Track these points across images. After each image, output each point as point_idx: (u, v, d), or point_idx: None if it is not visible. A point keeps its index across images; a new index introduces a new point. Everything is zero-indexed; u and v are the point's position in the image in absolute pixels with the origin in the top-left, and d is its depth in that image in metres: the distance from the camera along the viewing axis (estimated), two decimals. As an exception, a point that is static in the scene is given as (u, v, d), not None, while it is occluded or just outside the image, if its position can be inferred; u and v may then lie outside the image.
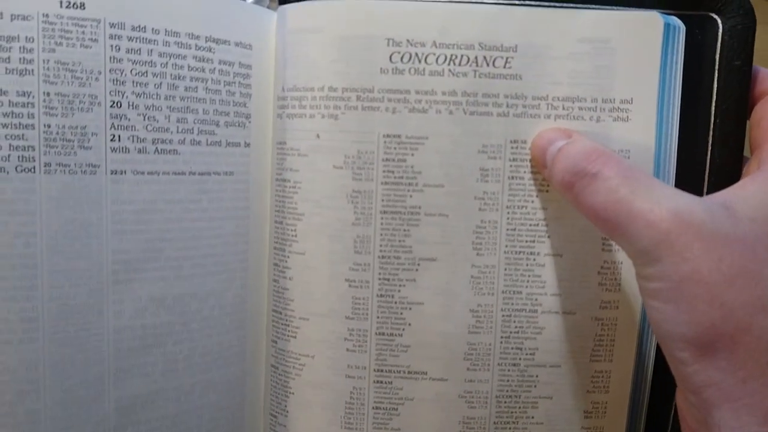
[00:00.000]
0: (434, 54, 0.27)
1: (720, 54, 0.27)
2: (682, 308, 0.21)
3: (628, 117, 0.28)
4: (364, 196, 0.28)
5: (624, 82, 0.27)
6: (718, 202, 0.22)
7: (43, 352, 0.26)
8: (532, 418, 0.29)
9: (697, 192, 0.28)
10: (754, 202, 0.22)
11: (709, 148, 0.28)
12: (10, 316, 0.25)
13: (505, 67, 0.27)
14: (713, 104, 0.28)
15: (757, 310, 0.20)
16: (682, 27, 0.27)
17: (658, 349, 0.29)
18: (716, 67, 0.28)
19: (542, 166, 0.27)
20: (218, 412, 0.30)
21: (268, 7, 0.30)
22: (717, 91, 0.28)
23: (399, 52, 0.27)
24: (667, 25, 0.27)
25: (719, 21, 0.27)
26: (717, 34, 0.27)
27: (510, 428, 0.29)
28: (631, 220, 0.22)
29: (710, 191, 0.28)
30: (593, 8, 0.27)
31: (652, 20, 0.27)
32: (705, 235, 0.21)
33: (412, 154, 0.28)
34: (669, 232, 0.21)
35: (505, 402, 0.29)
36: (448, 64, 0.27)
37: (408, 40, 0.27)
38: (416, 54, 0.27)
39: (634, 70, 0.27)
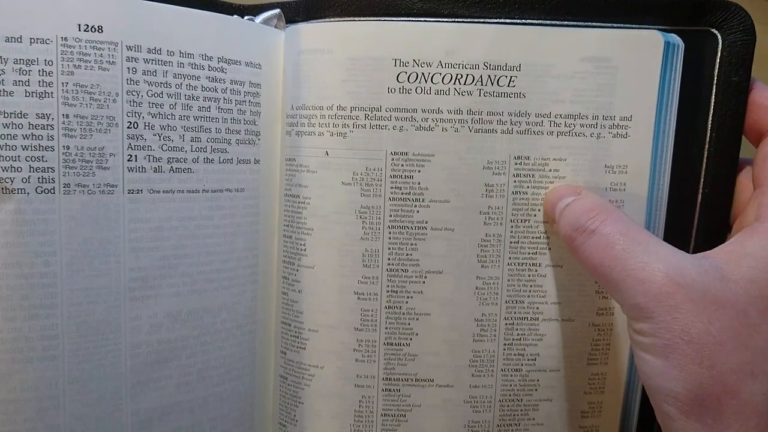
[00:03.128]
0: (440, 74, 0.28)
1: (719, 69, 0.28)
2: (672, 365, 0.21)
3: (627, 134, 0.28)
4: (372, 211, 0.29)
5: (624, 100, 0.28)
6: (712, 263, 0.22)
7: (63, 368, 0.26)
8: (533, 419, 0.30)
9: (691, 207, 0.29)
10: (752, 262, 0.22)
11: (705, 162, 0.29)
12: (31, 334, 0.26)
13: (509, 85, 0.28)
14: (710, 119, 0.28)
15: (746, 375, 0.20)
16: (682, 44, 0.28)
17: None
18: (714, 82, 0.28)
19: (552, 220, 0.28)
20: (230, 423, 0.31)
21: (276, 27, 0.31)
22: (714, 105, 0.28)
23: (406, 72, 0.28)
24: (667, 44, 0.28)
25: (719, 37, 0.28)
26: (716, 50, 0.28)
27: (512, 430, 0.30)
28: (625, 277, 0.22)
29: (704, 204, 0.29)
30: (595, 27, 0.28)
31: (653, 39, 0.28)
32: (696, 296, 0.21)
33: (419, 171, 0.29)
34: (660, 291, 0.21)
35: (508, 405, 0.30)
36: (454, 84, 0.28)
37: (415, 61, 0.28)
38: (423, 74, 0.28)
39: (634, 88, 0.28)
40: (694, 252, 0.28)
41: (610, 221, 0.24)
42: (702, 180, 0.29)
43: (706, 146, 0.29)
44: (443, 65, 0.28)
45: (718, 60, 0.28)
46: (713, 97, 0.28)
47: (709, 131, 0.29)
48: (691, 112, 0.29)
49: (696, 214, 0.29)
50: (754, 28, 0.28)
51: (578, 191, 0.27)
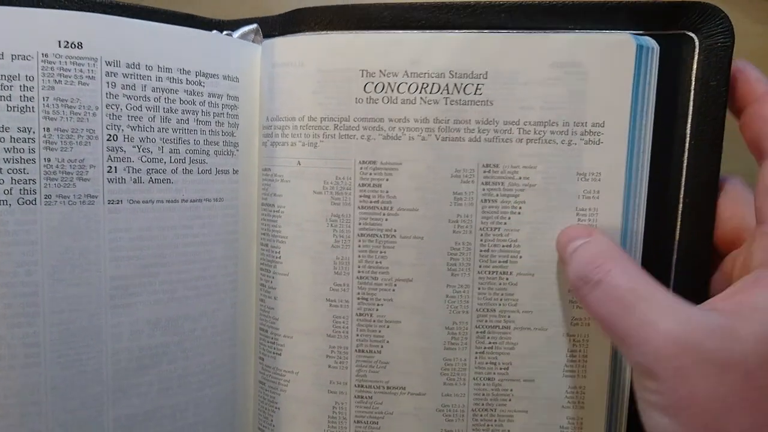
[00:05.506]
0: (406, 83, 0.28)
1: (696, 73, 0.27)
2: (681, 424, 0.20)
3: (599, 140, 0.28)
4: (342, 219, 0.29)
5: (596, 106, 0.28)
6: (720, 321, 0.21)
7: (45, 375, 0.27)
8: (509, 431, 0.30)
9: (672, 216, 0.28)
10: (762, 318, 0.21)
11: (684, 169, 0.28)
12: (13, 342, 0.26)
13: (475, 93, 0.28)
14: (688, 124, 0.28)
15: None
16: (656, 47, 0.27)
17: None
18: (692, 87, 0.27)
19: (563, 263, 0.27)
20: (212, 428, 0.31)
21: (253, 41, 0.31)
22: (692, 111, 0.28)
23: (373, 82, 0.28)
24: (639, 47, 0.27)
25: (696, 39, 0.27)
26: (693, 53, 0.27)
27: (486, 441, 0.30)
28: (629, 336, 0.22)
29: (684, 213, 0.28)
30: (564, 32, 0.28)
31: (624, 42, 0.27)
32: (703, 359, 0.20)
33: (387, 180, 0.29)
34: (667, 352, 0.20)
35: (481, 415, 0.30)
36: (420, 92, 0.28)
37: (381, 71, 0.28)
38: (389, 84, 0.28)
39: (606, 93, 0.28)
40: (677, 263, 0.28)
41: (615, 272, 0.23)
42: (682, 189, 0.28)
43: (686, 153, 0.28)
44: (409, 75, 0.28)
45: (695, 64, 0.27)
46: (691, 102, 0.28)
47: (688, 138, 0.28)
48: (668, 117, 0.28)
49: (677, 224, 0.28)
50: (733, 30, 0.27)
51: (590, 232, 0.27)
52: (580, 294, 0.24)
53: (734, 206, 0.27)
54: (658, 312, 0.21)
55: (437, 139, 0.29)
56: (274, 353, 0.31)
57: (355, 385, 0.30)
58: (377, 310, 0.30)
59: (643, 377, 0.22)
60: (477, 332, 0.30)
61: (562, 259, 0.28)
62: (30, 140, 0.26)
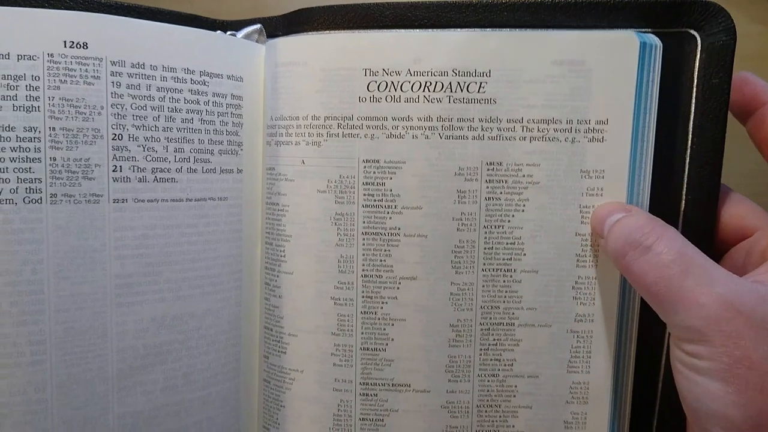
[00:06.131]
0: (409, 82, 0.28)
1: (698, 71, 0.28)
2: (731, 390, 0.21)
3: (603, 137, 0.28)
4: (346, 218, 0.30)
5: (599, 103, 0.28)
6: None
7: (50, 373, 0.27)
8: (513, 427, 0.30)
9: (675, 213, 0.28)
10: None
11: (687, 166, 0.28)
12: (19, 340, 0.27)
13: (479, 91, 0.28)
14: (691, 122, 0.28)
15: None
16: (659, 45, 0.27)
17: (637, 365, 0.30)
18: (694, 84, 0.28)
19: (599, 235, 0.28)
20: (216, 426, 0.31)
21: (257, 41, 0.31)
22: (695, 109, 0.28)
23: (376, 81, 0.29)
24: (642, 44, 0.27)
25: (698, 37, 0.28)
26: (696, 51, 0.28)
27: (491, 437, 0.30)
28: (681, 299, 0.22)
29: (687, 211, 0.28)
30: (568, 30, 0.28)
31: (627, 40, 0.27)
32: (756, 322, 0.21)
33: (391, 178, 0.29)
34: (720, 316, 0.21)
35: (486, 411, 0.30)
36: (423, 91, 0.28)
37: (384, 70, 0.29)
38: (392, 82, 0.29)
39: (609, 90, 0.28)
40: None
41: (665, 239, 0.24)
42: (685, 185, 0.28)
43: (688, 150, 0.28)
44: (412, 73, 0.28)
45: (697, 61, 0.28)
46: (694, 99, 0.28)
47: (690, 135, 0.28)
48: (671, 115, 0.28)
49: (680, 220, 0.28)
50: (735, 28, 0.27)
51: (629, 209, 0.27)
52: (625, 260, 0.25)
53: (732, 206, 0.28)
54: (710, 277, 0.22)
55: (440, 138, 0.29)
56: (279, 351, 0.31)
57: (360, 383, 0.30)
58: (382, 308, 0.30)
59: (691, 343, 0.22)
60: (481, 329, 0.30)
61: (598, 230, 0.28)
62: (36, 139, 0.26)
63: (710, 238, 0.28)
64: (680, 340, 0.23)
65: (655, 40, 0.28)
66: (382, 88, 0.29)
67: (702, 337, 0.21)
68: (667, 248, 0.23)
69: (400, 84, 0.29)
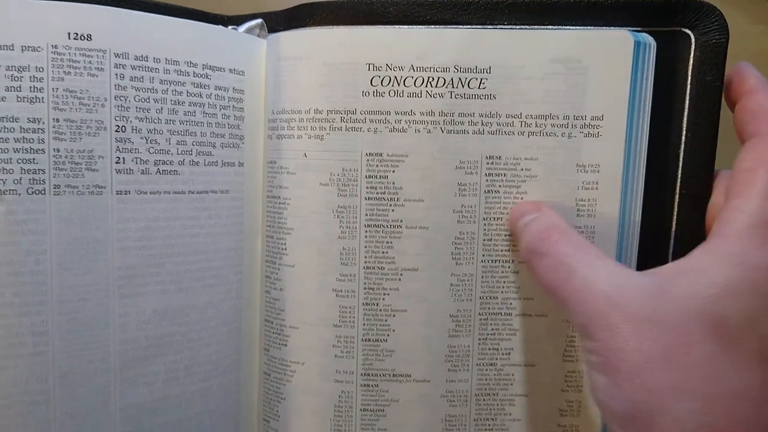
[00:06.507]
0: (412, 77, 0.29)
1: (692, 69, 0.28)
2: (611, 382, 0.21)
3: (598, 133, 0.29)
4: (348, 210, 0.30)
5: (595, 100, 0.29)
6: (653, 281, 0.22)
7: (53, 364, 0.27)
8: (510, 414, 0.31)
9: (669, 207, 0.29)
10: (695, 278, 0.21)
11: (680, 161, 0.29)
12: (21, 330, 0.27)
13: (479, 87, 0.29)
14: (684, 119, 0.29)
15: (676, 393, 0.20)
16: (653, 44, 0.28)
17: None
18: (688, 82, 0.28)
19: (516, 237, 0.29)
20: (217, 418, 0.32)
21: (258, 36, 0.32)
22: (689, 106, 0.29)
23: (379, 76, 0.29)
24: (637, 43, 0.28)
25: (692, 36, 0.28)
26: (690, 50, 0.28)
27: (489, 425, 0.31)
28: (570, 298, 0.23)
29: (681, 204, 0.29)
30: (565, 29, 0.29)
31: (623, 39, 0.28)
32: (631, 316, 0.21)
33: (393, 171, 0.30)
34: (599, 310, 0.22)
35: (484, 400, 0.31)
36: (425, 86, 0.29)
37: (387, 65, 0.29)
38: (395, 77, 0.29)
39: (605, 87, 0.29)
40: (675, 252, 0.29)
41: (561, 243, 0.25)
42: (679, 180, 0.29)
43: (682, 146, 0.29)
44: (414, 69, 0.29)
45: (691, 60, 0.28)
46: (687, 96, 0.29)
47: (684, 131, 0.29)
48: (665, 111, 0.29)
49: (674, 214, 0.29)
50: (728, 27, 0.28)
51: (538, 207, 0.28)
52: (530, 266, 0.26)
53: (722, 195, 0.28)
54: (595, 275, 0.23)
55: (442, 132, 0.29)
56: (279, 344, 0.32)
57: (362, 374, 0.31)
58: (383, 299, 0.30)
59: (584, 339, 0.23)
60: (480, 319, 0.30)
61: (515, 234, 0.29)
62: (39, 130, 0.27)
63: (703, 234, 0.29)
64: (579, 338, 0.24)
65: (649, 39, 0.28)
66: (385, 82, 0.29)
67: (587, 332, 0.22)
68: (560, 251, 0.25)
69: (403, 79, 0.29)
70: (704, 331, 0.21)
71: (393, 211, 0.30)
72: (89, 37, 0.27)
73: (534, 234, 0.26)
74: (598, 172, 0.29)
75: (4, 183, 0.26)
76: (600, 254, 0.24)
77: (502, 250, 0.30)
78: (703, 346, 0.20)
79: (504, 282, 0.30)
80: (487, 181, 0.29)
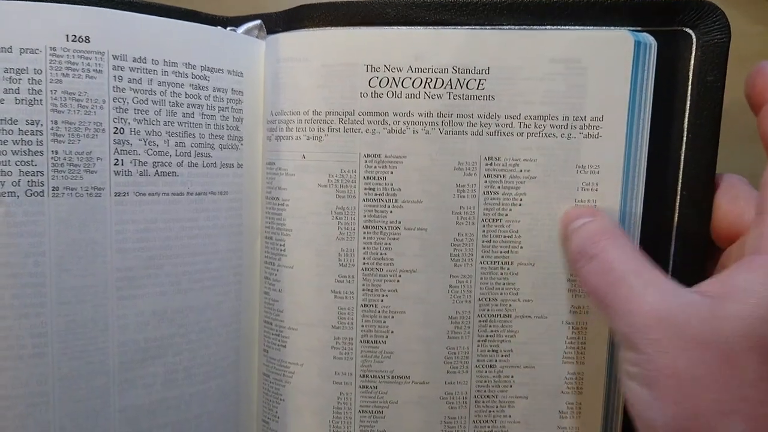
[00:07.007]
0: (410, 78, 0.29)
1: (693, 69, 0.28)
2: (654, 396, 0.21)
3: (598, 134, 0.29)
4: (347, 212, 0.30)
5: (595, 100, 0.28)
6: (703, 299, 0.22)
7: (52, 365, 0.27)
8: (510, 417, 0.31)
9: (670, 208, 0.29)
10: (744, 298, 0.21)
11: (682, 162, 0.29)
12: (21, 332, 0.27)
13: (478, 88, 0.29)
14: (686, 120, 0.28)
15: (724, 414, 0.20)
16: (654, 44, 0.28)
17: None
18: (689, 82, 0.28)
19: (565, 240, 0.29)
20: (216, 419, 0.32)
21: (257, 37, 0.32)
22: (690, 106, 0.28)
23: (377, 77, 0.29)
24: (637, 43, 0.28)
25: (693, 36, 0.28)
26: (691, 50, 0.28)
27: (489, 427, 0.31)
28: (615, 306, 0.23)
29: (682, 205, 0.29)
30: (564, 29, 0.29)
31: (622, 39, 0.28)
32: (682, 333, 0.21)
33: (392, 172, 0.29)
34: (646, 324, 0.22)
35: (483, 402, 0.31)
36: (424, 87, 0.29)
37: (385, 66, 0.29)
38: (393, 78, 0.29)
39: (605, 88, 0.28)
40: (675, 254, 0.29)
41: (611, 248, 0.25)
42: (680, 181, 0.29)
43: (683, 147, 0.29)
44: (413, 70, 0.29)
45: (692, 60, 0.28)
46: (689, 97, 0.28)
47: (685, 132, 0.29)
48: (666, 112, 0.29)
49: (675, 216, 0.29)
50: (730, 27, 0.28)
51: (593, 213, 0.28)
52: (576, 267, 0.26)
53: (731, 202, 0.28)
54: (645, 287, 0.23)
55: (441, 133, 0.29)
56: (278, 345, 0.32)
57: (360, 376, 0.31)
58: (382, 300, 0.30)
59: (626, 349, 0.23)
60: (479, 321, 0.30)
61: (564, 236, 0.29)
62: (38, 132, 0.27)
63: (705, 236, 0.29)
64: (619, 346, 0.24)
65: (649, 39, 0.28)
66: (383, 84, 0.29)
67: (631, 343, 0.22)
68: (609, 257, 0.24)
69: (401, 80, 0.29)
70: (753, 352, 0.20)
71: (391, 212, 0.30)
72: (87, 39, 0.27)
73: (585, 236, 0.26)
74: (598, 173, 0.29)
75: (2, 185, 0.26)
76: (650, 265, 0.24)
77: (501, 252, 0.30)
78: (752, 367, 0.20)
79: (503, 284, 0.30)
80: (486, 182, 0.29)
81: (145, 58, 0.28)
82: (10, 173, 0.26)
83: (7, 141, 0.26)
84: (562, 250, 0.29)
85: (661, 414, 0.21)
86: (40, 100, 0.26)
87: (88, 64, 0.27)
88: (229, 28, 0.32)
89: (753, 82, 0.26)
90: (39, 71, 0.26)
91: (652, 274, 0.23)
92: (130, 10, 0.28)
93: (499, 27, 0.29)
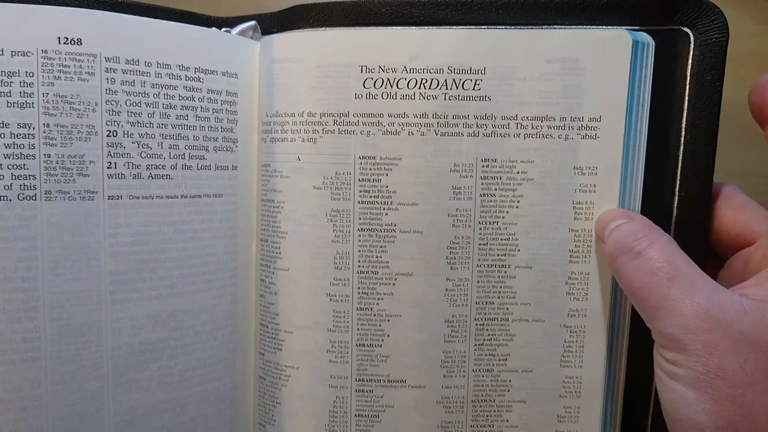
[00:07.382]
0: (405, 79, 0.29)
1: (691, 69, 0.28)
2: (704, 399, 0.21)
3: (596, 135, 0.28)
4: (342, 214, 0.30)
5: (592, 101, 0.28)
6: (752, 302, 0.22)
7: (45, 370, 0.27)
8: (507, 421, 0.30)
9: (668, 209, 0.28)
10: None
11: (680, 163, 0.28)
12: (14, 337, 0.27)
13: (474, 88, 0.28)
14: (684, 120, 0.28)
15: None
16: (652, 43, 0.28)
17: (630, 359, 0.30)
18: (687, 81, 0.28)
19: (600, 239, 0.28)
20: (211, 422, 0.32)
21: (252, 38, 0.31)
22: (688, 106, 0.28)
23: (372, 78, 0.29)
24: (635, 43, 0.28)
25: (691, 35, 0.28)
26: (689, 49, 0.28)
27: (486, 431, 0.31)
28: (663, 307, 0.23)
29: (680, 207, 0.28)
30: (561, 28, 0.28)
31: (620, 38, 0.28)
32: (733, 334, 0.21)
33: (387, 174, 0.29)
34: (699, 326, 0.22)
35: (481, 406, 0.30)
36: (419, 88, 0.29)
37: (380, 66, 0.29)
38: (388, 79, 0.29)
39: (602, 88, 0.28)
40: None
41: (656, 246, 0.24)
42: (678, 182, 0.29)
43: (681, 147, 0.28)
44: (408, 70, 0.29)
45: (690, 59, 0.28)
46: (687, 96, 0.28)
47: (683, 132, 0.28)
48: (664, 112, 0.28)
49: (673, 217, 0.29)
50: (728, 26, 0.27)
51: (631, 216, 0.27)
52: (617, 264, 0.25)
53: (736, 211, 0.28)
54: (694, 287, 0.22)
55: (436, 134, 0.29)
56: (274, 348, 0.32)
57: (356, 379, 0.31)
58: (378, 304, 0.30)
59: (670, 350, 0.22)
60: (476, 325, 0.30)
61: (600, 236, 0.28)
62: (30, 136, 0.26)
63: (703, 237, 0.28)
64: (661, 347, 0.23)
65: (647, 39, 0.28)
66: (378, 84, 0.29)
67: (679, 345, 0.22)
68: (656, 255, 0.24)
69: (396, 81, 0.29)
70: None
71: (387, 215, 0.29)
72: (79, 42, 0.27)
73: (627, 233, 0.26)
74: (596, 174, 0.29)
75: (-6, 189, 0.26)
76: (696, 266, 0.24)
77: (498, 255, 0.29)
78: None
79: (500, 287, 0.30)
80: (482, 184, 0.29)
81: (138, 60, 0.28)
82: (2, 177, 0.26)
83: (-1, 144, 0.26)
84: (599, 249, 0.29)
85: (712, 417, 0.21)
86: (32, 103, 0.26)
87: (81, 67, 0.27)
88: (223, 29, 0.31)
89: (761, 94, 0.26)
90: (31, 74, 0.26)
91: (698, 273, 0.23)
92: (122, 12, 0.28)
93: (495, 26, 0.29)
